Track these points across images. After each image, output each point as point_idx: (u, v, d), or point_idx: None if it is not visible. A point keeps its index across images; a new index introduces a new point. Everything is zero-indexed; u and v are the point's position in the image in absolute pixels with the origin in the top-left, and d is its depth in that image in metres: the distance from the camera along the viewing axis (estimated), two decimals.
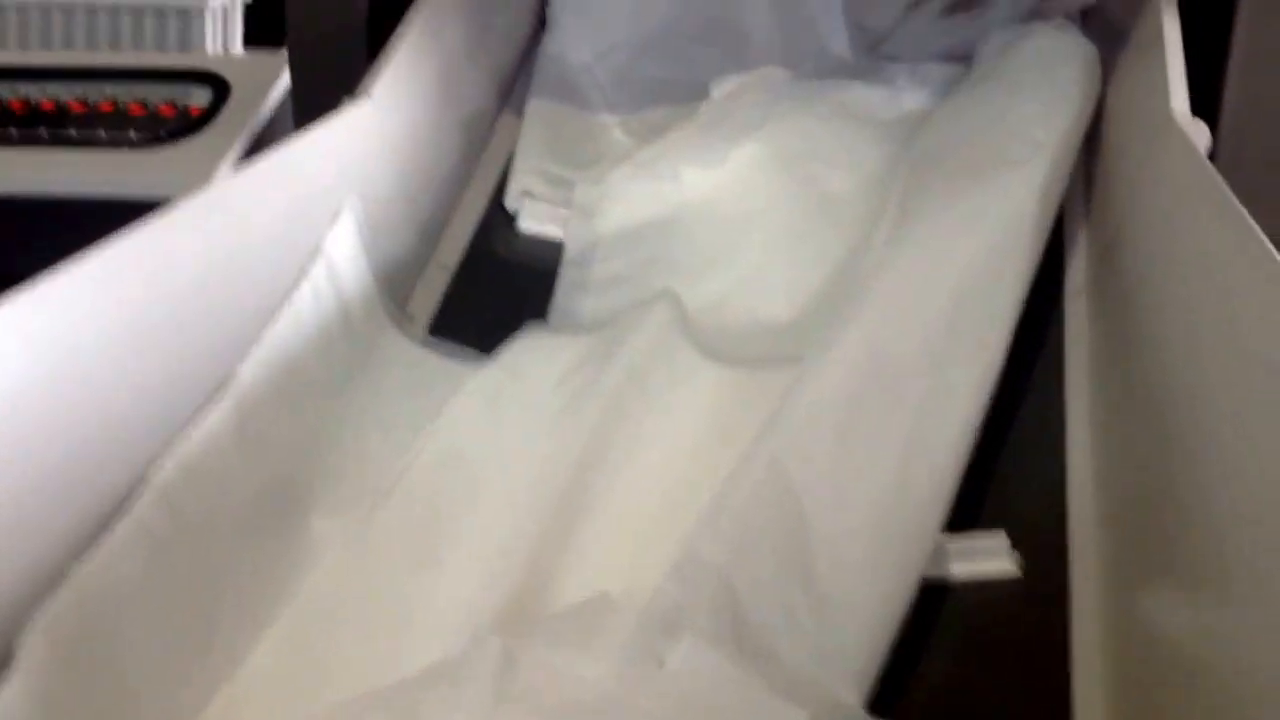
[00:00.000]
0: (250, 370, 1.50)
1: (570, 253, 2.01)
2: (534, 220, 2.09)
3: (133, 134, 2.57)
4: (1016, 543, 1.46)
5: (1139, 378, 1.50)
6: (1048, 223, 1.77)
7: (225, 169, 2.40)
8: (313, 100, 2.12)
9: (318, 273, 1.67)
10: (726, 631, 1.26)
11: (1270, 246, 1.20)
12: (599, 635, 1.20)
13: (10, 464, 1.15)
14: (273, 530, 1.47)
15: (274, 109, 2.63)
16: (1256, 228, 1.23)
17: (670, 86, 2.32)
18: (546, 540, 1.43)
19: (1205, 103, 1.71)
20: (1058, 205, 1.82)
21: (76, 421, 1.25)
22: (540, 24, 2.45)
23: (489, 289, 2.00)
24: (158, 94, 2.69)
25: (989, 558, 1.45)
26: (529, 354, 1.75)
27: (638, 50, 2.38)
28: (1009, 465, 1.57)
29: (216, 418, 1.42)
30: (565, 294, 1.94)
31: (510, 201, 2.11)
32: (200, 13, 3.31)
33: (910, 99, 2.16)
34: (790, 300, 1.86)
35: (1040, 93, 1.93)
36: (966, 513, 1.46)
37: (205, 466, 1.38)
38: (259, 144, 2.52)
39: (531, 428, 1.62)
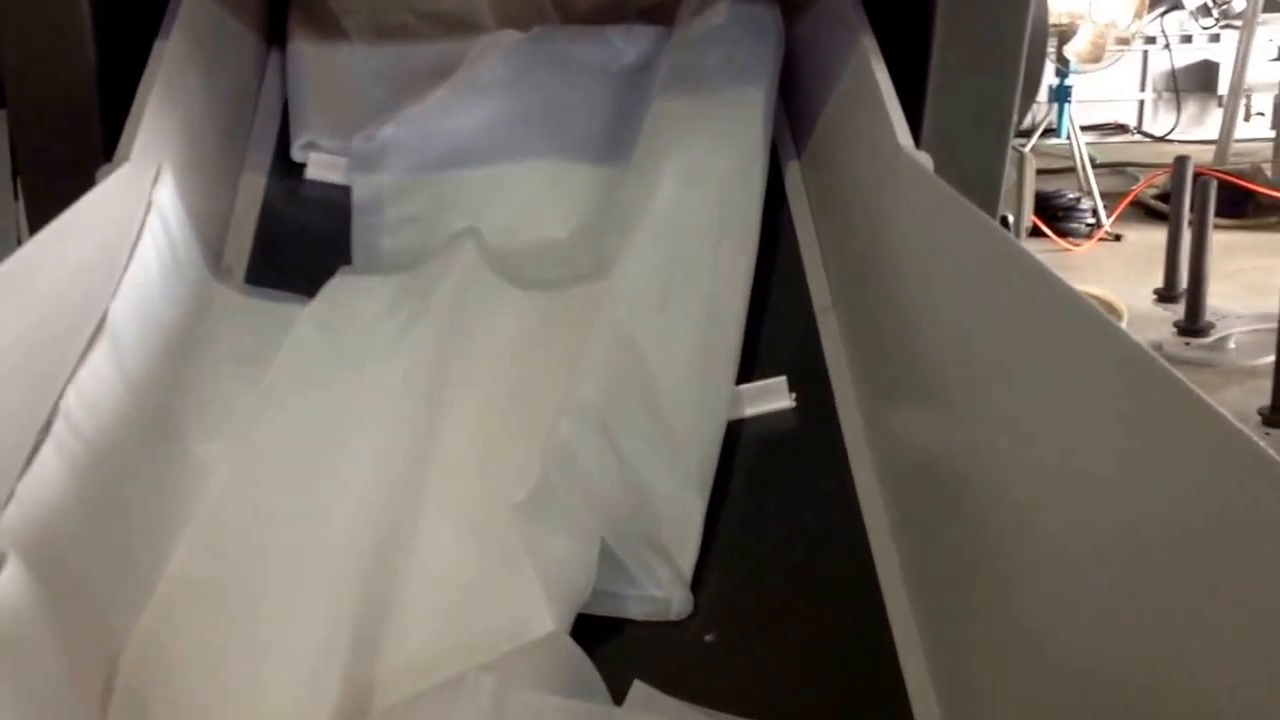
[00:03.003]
0: (118, 310, 1.75)
1: (359, 201, 2.39)
2: (320, 169, 2.46)
3: None
4: (791, 383, 1.98)
5: (887, 315, 1.94)
6: (769, 145, 2.32)
7: None
8: (41, 159, 2.24)
9: (153, 224, 1.93)
10: (607, 456, 1.70)
11: (1015, 240, 1.62)
12: (562, 678, 1.48)
13: None
14: (161, 452, 1.77)
15: None
16: (997, 225, 1.66)
17: (419, 43, 2.72)
18: (411, 449, 1.80)
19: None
20: (772, 132, 2.36)
21: None
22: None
23: (291, 236, 2.34)
24: None
25: (774, 397, 1.95)
26: (349, 293, 2.13)
27: (387, 3, 2.76)
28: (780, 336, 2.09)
29: (99, 353, 1.67)
30: (363, 237, 2.33)
31: (295, 154, 2.48)
32: None
33: (627, 55, 2.63)
34: (563, 224, 2.33)
35: (743, 45, 2.47)
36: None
37: (96, 392, 1.63)
38: None
39: (370, 354, 1.99)
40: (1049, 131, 7.87)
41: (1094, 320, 1.27)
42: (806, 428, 1.95)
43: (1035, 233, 6.78)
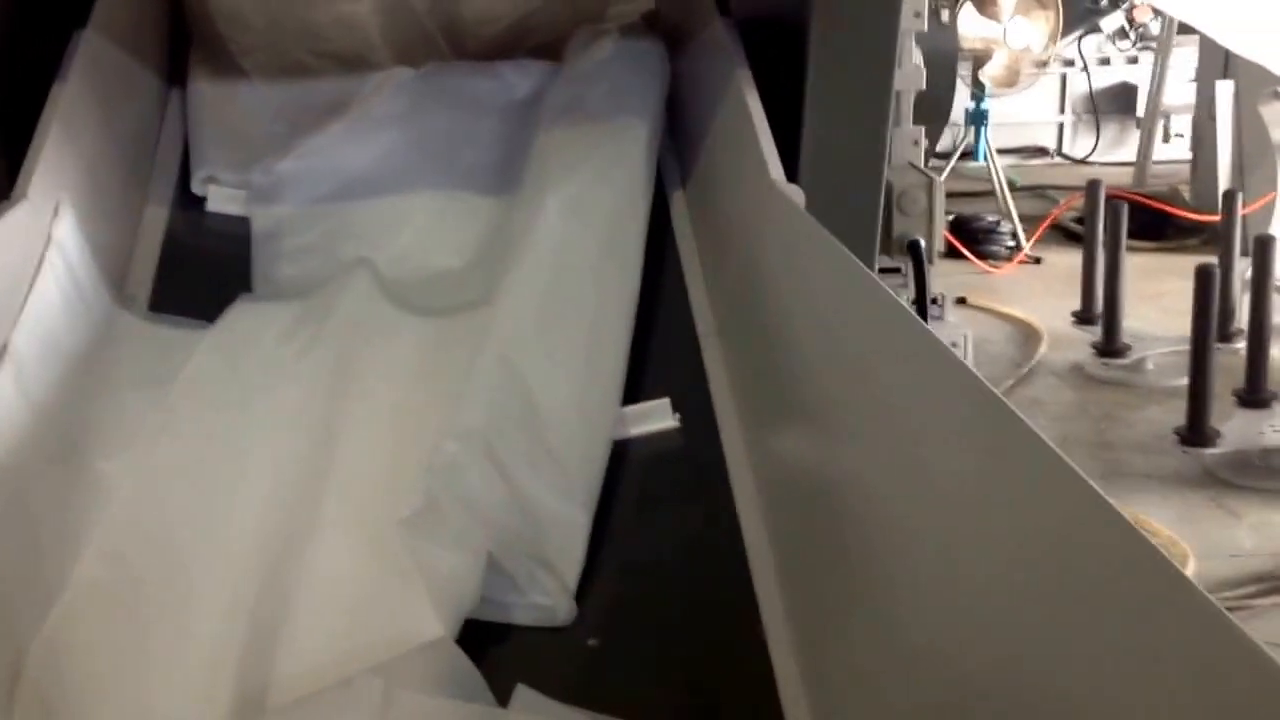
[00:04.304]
0: (19, 338, 1.88)
1: (259, 231, 2.53)
2: (220, 202, 2.60)
3: None
4: (675, 405, 2.12)
5: (760, 342, 2.08)
6: (652, 175, 2.47)
7: None
8: None
9: (53, 258, 2.06)
10: (492, 475, 1.83)
11: (869, 272, 1.76)
12: (448, 681, 1.60)
13: None
14: (63, 469, 1.89)
15: None
16: (855, 258, 1.75)
17: (316, 80, 2.86)
18: (307, 467, 1.93)
19: (787, 166, 2.22)
20: (656, 162, 2.51)
21: None
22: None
23: (193, 266, 2.47)
24: None
25: (658, 418, 2.09)
26: (248, 318, 2.26)
27: (284, 42, 2.90)
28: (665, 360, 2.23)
29: (1, 378, 1.80)
30: (262, 266, 2.46)
31: (195, 187, 2.62)
32: None
33: (518, 89, 2.78)
34: (455, 254, 2.48)
35: (629, 78, 2.62)
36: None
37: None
38: None
39: (267, 377, 2.13)
40: (967, 155, 8.06)
41: (935, 351, 1.43)
42: (689, 446, 2.09)
43: (955, 255, 6.94)
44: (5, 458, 1.74)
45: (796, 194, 2.09)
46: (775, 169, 2.15)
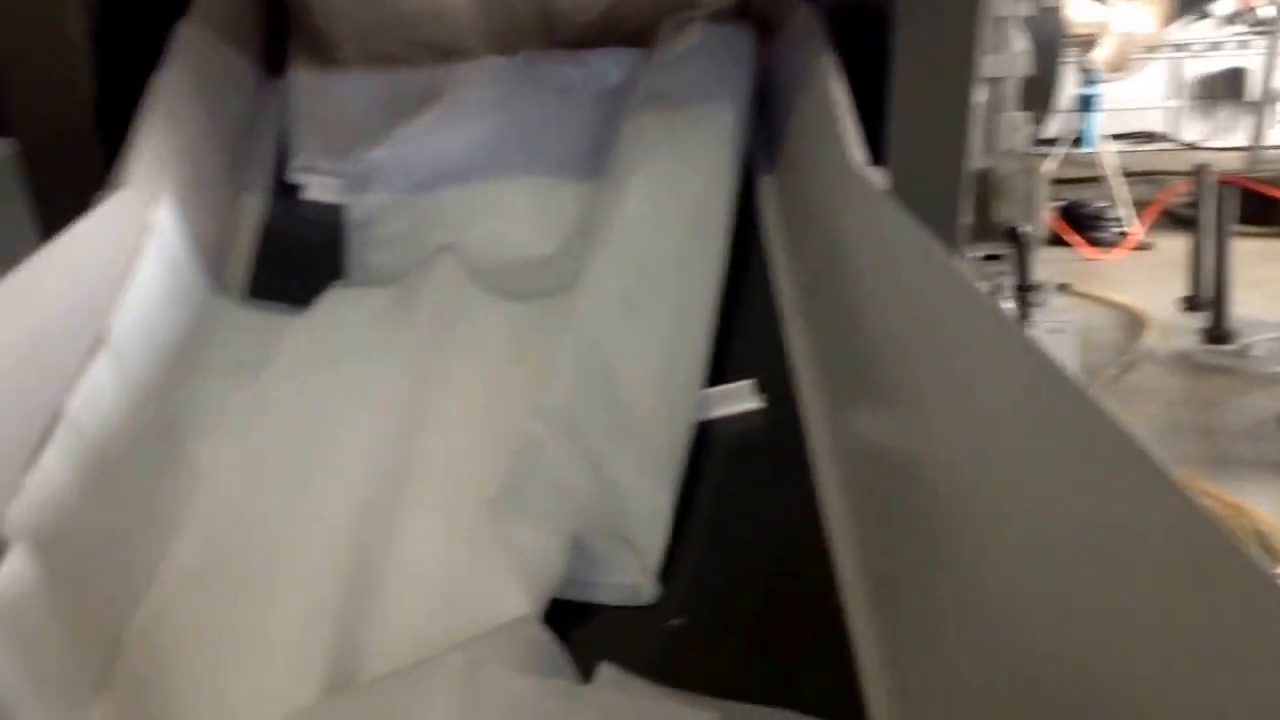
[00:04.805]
0: (119, 323, 1.95)
1: (353, 218, 2.60)
2: (316, 189, 2.67)
3: None
4: (759, 387, 2.14)
5: (842, 327, 2.09)
6: (739, 160, 2.48)
7: None
8: (47, 187, 2.43)
9: (152, 245, 2.12)
10: (575, 455, 1.86)
11: (949, 255, 1.71)
12: (532, 658, 1.63)
13: None
14: (160, 451, 1.95)
15: None
16: (936, 242, 1.73)
17: (411, 70, 2.90)
18: (396, 449, 1.97)
19: (872, 150, 2.22)
20: (745, 147, 2.52)
21: None
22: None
23: (289, 253, 2.53)
24: None
25: (741, 399, 2.11)
26: (341, 303, 2.33)
27: (379, 33, 2.95)
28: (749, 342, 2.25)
29: (100, 362, 1.86)
30: (356, 253, 2.53)
31: (292, 176, 2.69)
32: None
33: (608, 77, 2.82)
34: (544, 239, 2.51)
35: (717, 64, 2.65)
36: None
37: (97, 397, 1.82)
38: None
39: (357, 361, 2.18)
40: (1075, 141, 7.98)
41: (1014, 338, 1.43)
42: (772, 428, 2.10)
43: (1062, 242, 6.89)
44: (104, 441, 1.79)
45: (879, 177, 2.09)
46: (858, 152, 2.16)
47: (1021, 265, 3.79)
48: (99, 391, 1.82)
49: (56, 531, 1.57)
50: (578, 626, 1.75)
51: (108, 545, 1.72)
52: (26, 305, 1.71)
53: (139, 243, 2.08)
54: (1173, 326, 5.77)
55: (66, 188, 2.23)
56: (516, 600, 1.70)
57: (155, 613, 1.71)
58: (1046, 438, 1.28)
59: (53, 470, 1.63)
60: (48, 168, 2.43)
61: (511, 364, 2.12)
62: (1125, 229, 7.15)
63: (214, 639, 1.71)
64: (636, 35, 2.90)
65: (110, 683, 1.57)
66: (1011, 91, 3.98)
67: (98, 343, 1.87)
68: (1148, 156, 8.63)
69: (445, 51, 2.89)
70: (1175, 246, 6.71)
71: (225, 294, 2.35)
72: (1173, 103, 9.06)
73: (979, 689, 1.36)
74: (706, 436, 2.06)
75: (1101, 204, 7.25)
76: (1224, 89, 8.95)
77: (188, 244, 2.24)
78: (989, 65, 3.87)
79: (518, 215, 2.56)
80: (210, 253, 2.38)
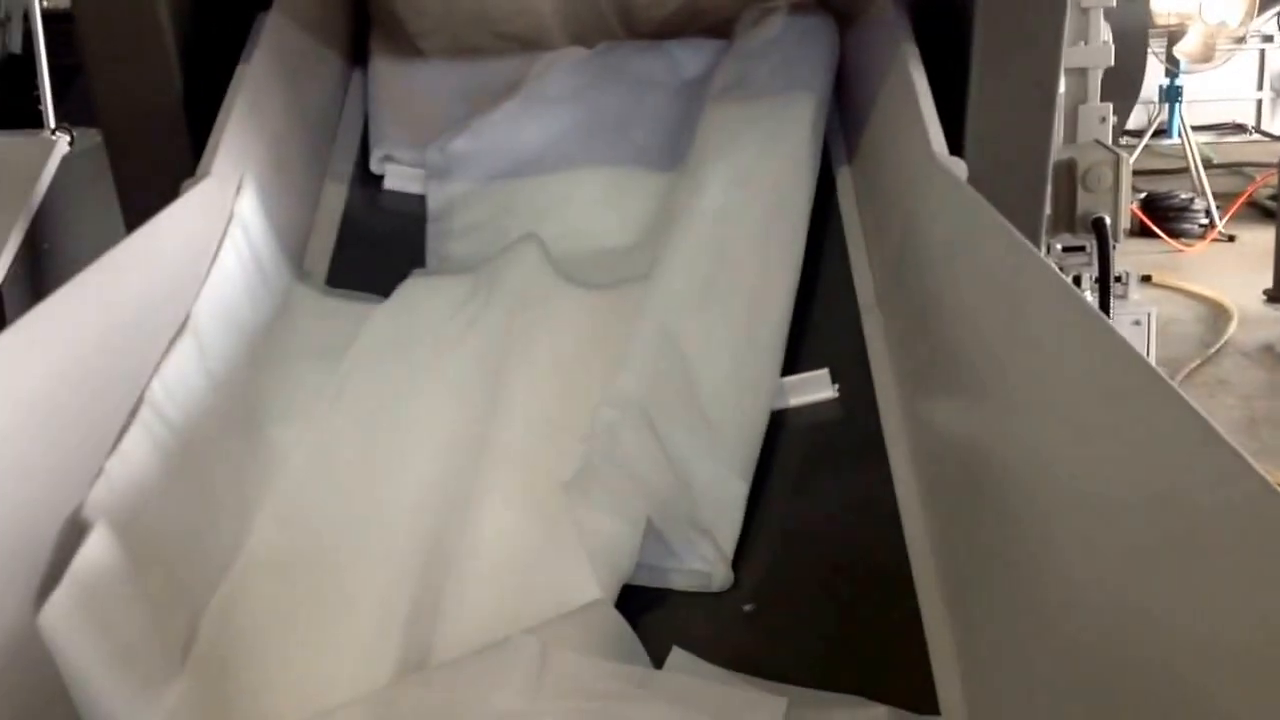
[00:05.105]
0: (202, 309, 1.96)
1: (433, 208, 2.62)
2: (397, 179, 2.69)
3: None
4: (835, 376, 2.14)
5: (920, 316, 2.08)
6: (818, 150, 2.48)
7: (6, 255, 2.72)
8: (133, 175, 2.43)
9: (235, 233, 2.14)
10: (649, 441, 1.87)
11: (1029, 246, 1.70)
12: (604, 642, 1.65)
13: None
14: (240, 436, 1.97)
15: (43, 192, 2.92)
16: (1016, 232, 1.73)
17: (491, 61, 2.93)
18: (473, 435, 1.99)
19: (951, 140, 2.22)
20: (823, 137, 2.53)
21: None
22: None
23: (370, 242, 2.56)
24: None
25: (817, 388, 2.11)
26: (420, 291, 2.35)
27: (461, 25, 2.97)
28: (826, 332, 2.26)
29: (183, 347, 1.87)
30: (435, 242, 2.55)
31: (374, 165, 2.71)
32: None
33: (688, 67, 2.82)
34: (622, 229, 2.52)
35: (797, 54, 2.64)
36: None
37: (180, 383, 1.83)
38: (37, 222, 2.87)
39: (436, 348, 2.19)
40: (1160, 132, 7.91)
41: (1096, 328, 1.41)
42: (847, 418, 2.11)
43: (1145, 233, 6.83)
44: (186, 425, 1.80)
45: (959, 167, 2.09)
46: (938, 142, 2.15)
47: (1103, 257, 3.77)
48: (182, 377, 1.83)
49: (137, 514, 1.58)
50: (649, 611, 1.77)
51: (188, 528, 1.74)
52: (112, 292, 1.74)
53: (222, 231, 2.11)
54: (1257, 319, 5.72)
55: (153, 176, 2.25)
56: (589, 585, 1.72)
57: (233, 595, 1.74)
58: (1127, 430, 1.28)
59: (135, 454, 1.65)
60: (134, 156, 2.44)
61: (588, 352, 2.13)
62: (1209, 221, 7.08)
63: (290, 622, 1.73)
64: (715, 28, 2.91)
65: (188, 664, 1.59)
66: (1095, 82, 3.97)
67: (181, 329, 1.89)
68: (1233, 148, 8.55)
69: (527, 42, 2.91)
70: (1260, 239, 6.66)
71: (306, 282, 2.37)
72: (1259, 94, 8.96)
73: (1049, 681, 1.36)
74: (781, 424, 2.07)
75: (1185, 196, 7.19)
76: None
77: (270, 232, 2.27)
78: (1073, 56, 3.87)
79: (596, 204, 2.57)
80: (292, 241, 2.41)
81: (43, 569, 1.43)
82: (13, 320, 1.51)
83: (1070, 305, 1.51)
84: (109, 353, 1.70)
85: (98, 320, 1.68)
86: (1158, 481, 1.19)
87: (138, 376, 1.76)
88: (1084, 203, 3.82)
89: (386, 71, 2.87)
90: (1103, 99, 4.01)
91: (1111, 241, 3.79)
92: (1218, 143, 8.51)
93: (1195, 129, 7.83)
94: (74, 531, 1.47)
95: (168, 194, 2.04)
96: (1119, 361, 1.33)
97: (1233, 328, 5.64)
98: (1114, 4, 3.97)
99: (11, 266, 2.74)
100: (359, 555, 1.83)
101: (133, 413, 1.69)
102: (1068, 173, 3.82)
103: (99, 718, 1.37)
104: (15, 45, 3.82)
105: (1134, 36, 5.45)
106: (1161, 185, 7.30)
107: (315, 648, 1.70)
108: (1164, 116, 7.96)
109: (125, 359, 1.75)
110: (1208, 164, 7.47)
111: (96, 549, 1.44)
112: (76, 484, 1.53)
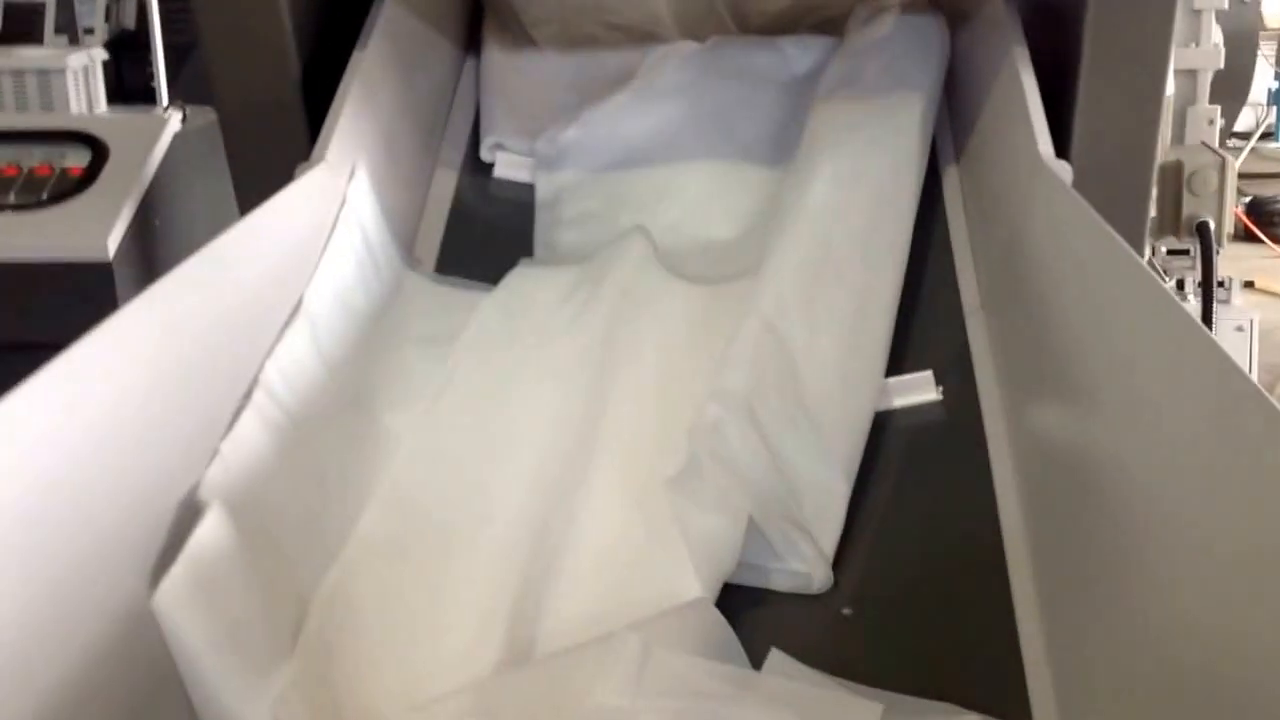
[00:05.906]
0: (314, 294, 1.99)
1: (541, 198, 2.63)
2: (507, 168, 2.71)
3: (12, 197, 2.78)
4: (939, 379, 2.14)
5: (1025, 321, 2.07)
6: (926, 150, 2.47)
7: (118, 231, 2.73)
8: (248, 161, 2.45)
9: (347, 218, 2.17)
10: (752, 438, 1.87)
11: (1131, 251, 1.68)
12: (704, 641, 1.65)
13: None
14: (352, 422, 1.99)
15: (156, 169, 2.93)
16: (1118, 237, 1.71)
17: (603, 52, 2.94)
18: (578, 427, 2.00)
19: (1058, 142, 2.21)
20: (930, 137, 2.52)
21: (125, 466, 1.44)
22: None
23: (479, 230, 2.58)
24: (32, 155, 2.89)
25: (920, 390, 2.11)
26: (529, 281, 2.36)
27: (573, 14, 2.98)
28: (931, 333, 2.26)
29: (296, 332, 1.90)
30: (544, 231, 2.56)
31: (484, 154, 2.73)
32: (60, 72, 3.29)
33: (798, 64, 2.81)
34: (729, 224, 2.52)
35: (907, 53, 2.63)
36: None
37: (293, 367, 1.86)
38: (145, 204, 2.87)
39: (543, 339, 2.21)
40: (1269, 135, 7.79)
41: (1194, 338, 1.39)
42: (950, 420, 2.10)
43: (1250, 238, 6.74)
44: (299, 410, 1.82)
45: (1064, 170, 2.07)
46: (1044, 144, 2.14)
47: (1206, 261, 3.73)
48: (295, 361, 1.86)
49: (252, 496, 1.61)
50: (749, 611, 1.76)
51: (300, 511, 1.75)
52: (226, 274, 1.76)
53: (335, 216, 2.13)
54: None
55: (267, 160, 2.28)
56: (691, 582, 1.72)
57: (342, 579, 1.75)
58: (1225, 442, 1.26)
59: (249, 436, 1.67)
60: (249, 141, 2.46)
61: (694, 346, 2.13)
62: None
63: (396, 609, 1.75)
64: (827, 24, 2.89)
65: (296, 647, 1.60)
66: (1204, 85, 3.93)
67: (295, 313, 1.92)
68: None
69: (638, 34, 2.91)
70: None
71: (417, 268, 2.39)
72: None
73: (1146, 695, 1.34)
74: (884, 426, 2.06)
75: None
76: None
77: (381, 218, 2.29)
78: (1184, 58, 3.83)
79: (704, 199, 2.56)
80: (403, 227, 2.43)
81: (158, 550, 1.45)
82: (124, 297, 1.52)
83: (1165, 315, 1.49)
84: (222, 335, 1.72)
85: (212, 302, 1.70)
86: (1256, 495, 1.17)
87: (250, 360, 1.78)
88: (1189, 206, 3.79)
89: (499, 60, 2.88)
90: (1211, 101, 3.97)
91: (1215, 246, 3.75)
92: None
93: None
94: (189, 513, 1.49)
95: (282, 178, 2.07)
96: (1213, 373, 1.31)
97: None
98: (1226, 6, 3.93)
99: (122, 243, 2.76)
100: (466, 544, 1.85)
101: (247, 395, 1.71)
102: (1174, 175, 3.78)
103: (209, 698, 1.39)
104: (129, 21, 3.84)
105: (1245, 38, 5.37)
106: (1267, 189, 7.19)
107: (420, 636, 1.71)
108: (1272, 120, 7.84)
109: (238, 342, 1.77)
110: None
111: (211, 530, 1.46)
112: (192, 466, 1.55)
